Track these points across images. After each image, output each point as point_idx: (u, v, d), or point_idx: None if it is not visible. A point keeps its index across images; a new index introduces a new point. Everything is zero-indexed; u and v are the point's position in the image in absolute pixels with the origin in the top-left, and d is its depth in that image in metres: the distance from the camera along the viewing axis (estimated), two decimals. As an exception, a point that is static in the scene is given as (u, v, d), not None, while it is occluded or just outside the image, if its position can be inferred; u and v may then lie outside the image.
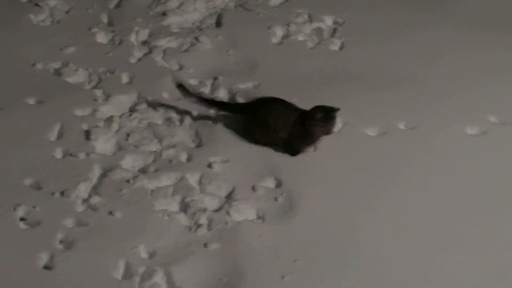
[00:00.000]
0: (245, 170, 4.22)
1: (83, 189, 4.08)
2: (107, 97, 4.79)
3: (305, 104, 4.38)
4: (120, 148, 4.40)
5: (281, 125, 4.29)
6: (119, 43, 5.38)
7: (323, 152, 4.28)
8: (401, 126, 4.54)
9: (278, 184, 4.13)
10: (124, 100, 4.78)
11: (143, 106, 4.72)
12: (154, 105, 4.73)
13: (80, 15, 5.74)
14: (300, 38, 5.49)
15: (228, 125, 4.54)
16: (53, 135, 4.46)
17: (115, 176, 4.17)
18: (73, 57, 5.17)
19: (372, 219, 3.88)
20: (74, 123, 4.54)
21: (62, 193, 4.04)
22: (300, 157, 4.30)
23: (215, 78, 4.99)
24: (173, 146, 4.40)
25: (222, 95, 4.83)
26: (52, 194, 4.03)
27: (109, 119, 4.58)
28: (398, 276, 3.59)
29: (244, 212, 3.96)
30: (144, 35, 5.50)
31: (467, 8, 5.77)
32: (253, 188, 4.10)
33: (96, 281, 3.56)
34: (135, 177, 4.16)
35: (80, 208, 3.97)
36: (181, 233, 3.84)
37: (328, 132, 4.23)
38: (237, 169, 4.23)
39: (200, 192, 4.10)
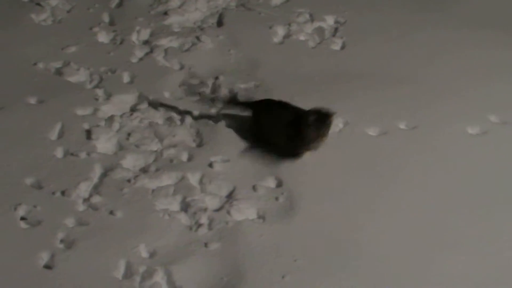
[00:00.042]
0: (245, 169, 4.23)
1: (84, 188, 4.09)
2: (108, 96, 4.79)
3: (305, 103, 4.39)
4: (121, 147, 4.41)
5: (282, 128, 4.28)
6: (121, 43, 5.38)
7: (323, 152, 4.27)
8: (402, 126, 4.55)
9: (279, 184, 4.14)
10: (125, 100, 4.78)
11: (144, 105, 4.72)
12: (155, 104, 4.72)
13: (82, 15, 5.74)
14: (302, 37, 5.49)
15: (229, 125, 4.54)
16: (54, 135, 4.47)
17: (116, 176, 4.17)
18: (74, 57, 5.17)
19: (372, 219, 3.89)
20: (75, 123, 4.55)
21: (63, 193, 4.04)
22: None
23: (216, 78, 4.99)
24: (174, 146, 4.41)
25: (223, 94, 4.83)
26: (53, 193, 4.04)
27: (110, 119, 4.59)
28: (398, 276, 3.60)
29: (244, 212, 3.97)
30: (145, 34, 5.50)
31: (468, 8, 5.77)
32: (254, 188, 4.10)
33: (96, 280, 3.57)
34: (136, 177, 4.16)
35: (81, 207, 3.98)
36: (181, 232, 3.85)
37: (322, 135, 4.21)
38: (238, 168, 4.24)
39: (201, 191, 4.11)
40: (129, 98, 4.80)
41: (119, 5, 5.87)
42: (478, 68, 5.05)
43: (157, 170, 4.22)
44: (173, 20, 5.67)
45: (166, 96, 4.81)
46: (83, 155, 4.30)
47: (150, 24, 5.58)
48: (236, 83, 4.91)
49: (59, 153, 4.32)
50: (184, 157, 4.34)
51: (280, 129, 4.28)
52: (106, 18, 5.70)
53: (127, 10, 5.79)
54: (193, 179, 4.19)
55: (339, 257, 3.67)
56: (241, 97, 4.63)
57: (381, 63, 5.12)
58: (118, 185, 4.11)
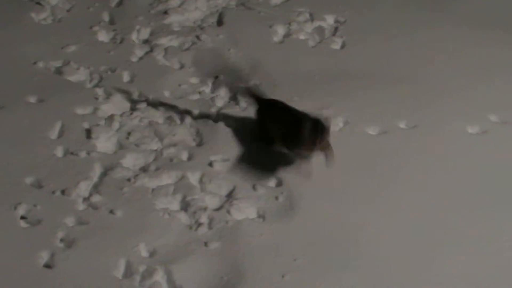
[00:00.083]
0: (246, 169, 4.22)
1: (84, 187, 4.09)
2: (108, 95, 4.79)
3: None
4: (121, 146, 4.41)
5: (283, 131, 4.24)
6: (120, 42, 5.38)
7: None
8: (402, 125, 4.54)
9: (279, 183, 4.14)
10: (125, 99, 4.78)
11: (144, 104, 4.72)
12: (155, 103, 4.73)
13: (82, 14, 5.74)
14: (302, 37, 5.49)
15: (229, 124, 4.54)
16: (54, 134, 4.47)
17: (116, 175, 4.17)
18: (74, 56, 5.17)
19: (372, 219, 3.89)
20: (75, 122, 4.55)
21: (63, 192, 4.04)
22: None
23: (216, 77, 4.99)
24: (174, 145, 4.41)
25: (223, 94, 4.83)
26: (53, 192, 4.04)
27: (110, 118, 4.59)
28: (398, 276, 3.60)
29: (244, 211, 3.97)
30: (145, 33, 5.50)
31: (467, 8, 5.77)
32: (254, 187, 4.10)
33: (96, 279, 3.57)
34: (136, 176, 4.16)
35: (81, 206, 3.98)
36: (181, 232, 3.85)
37: (318, 144, 4.06)
38: (238, 168, 4.23)
39: (200, 191, 4.11)
40: (129, 97, 4.80)
41: (119, 4, 5.87)
42: (478, 67, 5.05)
43: (157, 169, 4.23)
44: (173, 19, 5.67)
45: (166, 95, 4.81)
46: (83, 154, 4.30)
47: (150, 23, 5.58)
48: (236, 83, 4.91)
49: (59, 152, 4.33)
50: (184, 156, 4.34)
51: (280, 132, 4.25)
52: (106, 17, 5.70)
53: (127, 9, 5.79)
54: (193, 178, 4.19)
55: (339, 257, 3.67)
56: (256, 90, 4.56)
57: (381, 63, 5.12)
58: (118, 184, 4.11)
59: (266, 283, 3.56)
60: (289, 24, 5.58)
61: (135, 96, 4.81)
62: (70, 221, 3.88)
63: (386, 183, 4.11)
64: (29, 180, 4.12)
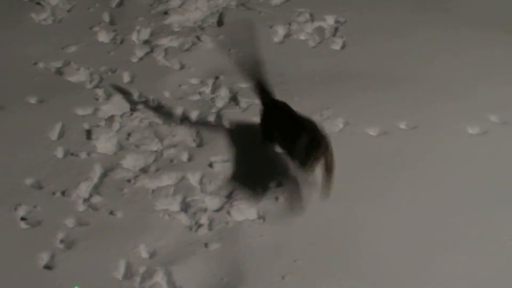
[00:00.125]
0: (246, 169, 4.22)
1: (84, 188, 4.09)
2: (109, 96, 4.79)
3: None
4: (121, 147, 4.41)
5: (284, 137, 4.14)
6: (121, 42, 5.38)
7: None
8: (402, 126, 4.54)
9: (279, 184, 4.13)
10: (125, 100, 4.79)
11: (144, 105, 4.72)
12: (155, 104, 4.73)
13: (82, 14, 5.74)
14: (302, 37, 5.49)
15: (229, 125, 4.55)
16: (54, 134, 4.47)
17: (116, 176, 4.17)
18: (74, 56, 5.17)
19: (373, 219, 3.89)
20: (75, 123, 4.55)
21: (63, 193, 4.05)
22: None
23: (217, 77, 5.00)
24: (174, 146, 4.41)
25: (223, 94, 4.83)
26: (53, 193, 4.05)
27: (110, 119, 4.59)
28: (398, 276, 3.60)
29: (245, 212, 3.97)
30: (145, 34, 5.50)
31: (468, 8, 5.76)
32: (254, 188, 4.10)
33: (96, 280, 3.57)
34: (136, 177, 4.16)
35: (81, 207, 3.98)
36: (181, 233, 3.85)
37: (314, 159, 3.89)
38: (238, 168, 4.23)
39: (201, 191, 4.11)
40: (129, 98, 4.80)
41: (120, 4, 5.87)
42: (478, 68, 5.05)
43: (157, 170, 4.23)
44: (173, 19, 5.67)
45: (166, 95, 4.81)
46: (83, 155, 4.31)
47: (150, 24, 5.58)
48: (236, 82, 4.91)
49: (59, 153, 4.33)
50: (184, 157, 4.34)
51: (279, 138, 4.18)
52: (106, 17, 5.70)
53: (128, 9, 5.79)
54: (193, 179, 4.19)
55: (339, 257, 3.67)
56: (266, 87, 4.51)
57: (381, 63, 5.11)
58: (118, 185, 4.11)
59: (266, 284, 3.56)
60: (290, 24, 5.58)
61: (135, 96, 4.81)
62: (70, 222, 3.89)
63: (386, 183, 4.11)
64: (29, 181, 4.12)
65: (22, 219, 3.90)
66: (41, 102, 4.72)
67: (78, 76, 5.00)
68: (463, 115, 4.60)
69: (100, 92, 4.83)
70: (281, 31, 5.54)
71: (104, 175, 4.19)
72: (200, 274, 3.62)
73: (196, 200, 4.04)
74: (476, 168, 4.24)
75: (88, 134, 4.48)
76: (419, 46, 5.29)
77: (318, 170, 3.89)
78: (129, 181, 4.14)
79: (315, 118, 4.54)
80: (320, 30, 5.56)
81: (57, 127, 4.51)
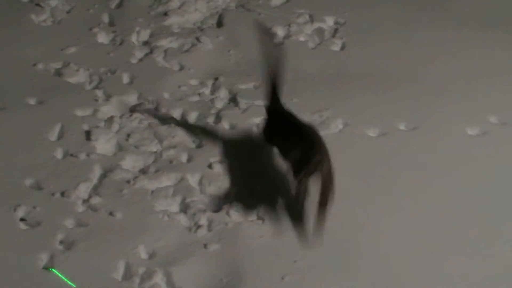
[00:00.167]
0: (245, 170, 4.22)
1: (84, 189, 4.09)
2: (108, 97, 4.79)
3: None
4: (120, 148, 4.40)
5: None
6: (120, 43, 5.37)
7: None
8: (402, 127, 4.54)
9: (278, 185, 4.12)
10: (125, 100, 4.78)
11: (143, 106, 4.72)
12: (155, 105, 4.73)
13: (81, 15, 5.73)
14: (301, 38, 5.48)
15: (228, 126, 4.54)
16: (53, 135, 4.47)
17: (116, 177, 4.17)
18: (74, 57, 5.17)
19: (372, 219, 3.88)
20: (74, 123, 4.55)
21: (62, 194, 4.04)
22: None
23: (216, 79, 4.99)
24: (174, 147, 4.40)
25: (222, 95, 4.83)
26: (53, 194, 4.04)
27: (110, 120, 4.59)
28: (398, 276, 3.59)
29: (244, 213, 3.96)
30: (145, 35, 5.49)
31: (467, 8, 5.75)
32: (254, 189, 4.09)
33: (96, 281, 3.56)
34: (135, 178, 4.16)
35: (80, 208, 3.97)
36: (181, 233, 3.84)
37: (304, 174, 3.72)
38: (238, 169, 4.23)
39: (200, 192, 4.10)
40: (129, 99, 4.79)
41: (119, 5, 5.86)
42: (478, 68, 5.04)
43: (156, 171, 4.22)
44: (173, 20, 5.66)
45: (166, 97, 4.81)
46: (82, 156, 4.30)
47: (150, 25, 5.58)
48: (236, 84, 4.91)
49: (58, 154, 4.32)
50: (184, 158, 4.33)
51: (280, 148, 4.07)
52: (105, 18, 5.70)
53: (127, 10, 5.78)
54: (192, 180, 4.18)
55: (339, 257, 3.67)
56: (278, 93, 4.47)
57: (381, 64, 5.11)
58: (117, 186, 4.10)
59: (266, 285, 3.56)
60: (289, 25, 5.58)
61: (135, 97, 4.80)
62: (69, 223, 3.88)
63: (386, 184, 4.10)
64: (28, 181, 4.12)
65: (22, 219, 3.89)
66: (41, 103, 4.72)
67: (78, 77, 5.00)
68: (463, 116, 4.60)
69: (99, 93, 4.82)
70: (280, 32, 5.53)
71: (104, 176, 4.19)
72: (199, 275, 3.61)
73: (195, 201, 4.04)
74: (476, 168, 4.23)
75: (88, 135, 4.47)
76: (419, 47, 5.29)
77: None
78: (128, 182, 4.14)
79: (315, 118, 4.55)
80: (319, 31, 5.55)
81: (57, 128, 4.51)
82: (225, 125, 4.56)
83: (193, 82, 4.97)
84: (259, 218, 3.93)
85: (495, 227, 3.85)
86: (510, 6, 5.82)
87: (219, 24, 5.67)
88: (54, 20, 5.68)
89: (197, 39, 5.41)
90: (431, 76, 4.98)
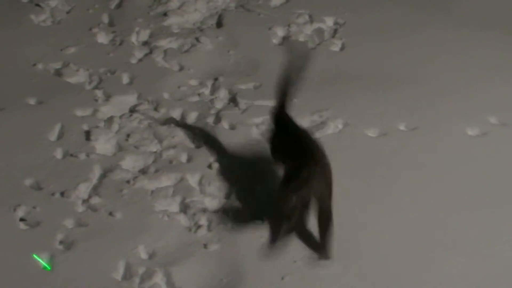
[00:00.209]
0: (245, 170, 4.22)
1: (83, 189, 4.08)
2: (108, 97, 4.79)
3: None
4: (120, 148, 4.40)
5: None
6: (120, 44, 5.38)
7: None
8: (402, 127, 4.54)
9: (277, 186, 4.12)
10: (124, 101, 4.78)
11: (143, 106, 4.72)
12: (155, 105, 4.73)
13: (81, 16, 5.74)
14: (301, 38, 5.48)
15: (228, 126, 4.54)
16: (53, 135, 4.47)
17: (115, 177, 4.17)
18: (73, 58, 5.17)
19: (372, 219, 3.88)
20: (74, 124, 4.55)
21: (62, 194, 4.04)
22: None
23: (216, 79, 4.99)
24: (173, 147, 4.40)
25: (222, 95, 4.83)
26: (52, 194, 4.04)
27: (110, 120, 4.59)
28: (398, 276, 3.59)
29: (244, 213, 3.95)
30: (144, 35, 5.50)
31: (467, 8, 5.76)
32: (253, 189, 4.09)
33: (96, 281, 3.56)
34: (135, 178, 4.16)
35: (80, 208, 3.97)
36: (181, 233, 3.84)
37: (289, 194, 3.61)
38: (237, 169, 4.23)
39: (200, 192, 4.10)
40: (129, 99, 4.79)
41: (119, 6, 5.87)
42: (478, 68, 5.05)
43: (156, 171, 4.22)
44: (173, 21, 5.67)
45: (166, 97, 4.81)
46: (82, 156, 4.30)
47: (149, 25, 5.58)
48: (236, 84, 4.91)
49: (58, 154, 4.32)
50: (184, 158, 4.33)
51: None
52: (105, 19, 5.70)
53: (127, 11, 5.79)
54: (192, 180, 4.18)
55: (339, 258, 3.66)
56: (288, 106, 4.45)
57: (381, 64, 5.11)
58: (117, 186, 4.10)
59: (266, 285, 3.55)
60: (289, 26, 5.58)
61: (135, 98, 4.81)
62: (69, 223, 3.88)
63: (386, 184, 4.10)
64: (28, 181, 4.12)
65: (22, 219, 3.89)
66: (40, 103, 4.72)
67: (77, 77, 5.00)
68: (463, 116, 4.60)
69: (99, 93, 4.83)
70: (280, 32, 5.54)
71: (103, 176, 4.18)
72: (199, 275, 3.61)
73: (195, 201, 4.03)
74: (476, 169, 4.23)
75: (87, 135, 4.47)
76: (419, 47, 5.29)
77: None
78: (128, 182, 4.14)
79: (315, 119, 4.56)
80: (319, 32, 5.56)
81: (56, 128, 4.51)
82: (224, 125, 4.56)
83: (193, 82, 4.98)
84: (259, 218, 3.92)
85: (495, 227, 3.85)
86: (510, 6, 5.82)
87: (219, 24, 5.67)
88: (54, 20, 5.69)
89: (197, 39, 5.41)
90: (431, 76, 4.98)
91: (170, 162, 4.29)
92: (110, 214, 3.93)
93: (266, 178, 4.16)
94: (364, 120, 4.57)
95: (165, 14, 5.72)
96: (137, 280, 3.59)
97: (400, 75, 4.97)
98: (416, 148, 4.37)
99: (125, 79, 5.01)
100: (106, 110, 4.69)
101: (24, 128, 4.49)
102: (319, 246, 3.69)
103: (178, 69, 5.12)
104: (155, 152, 4.37)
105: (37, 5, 5.80)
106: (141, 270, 3.63)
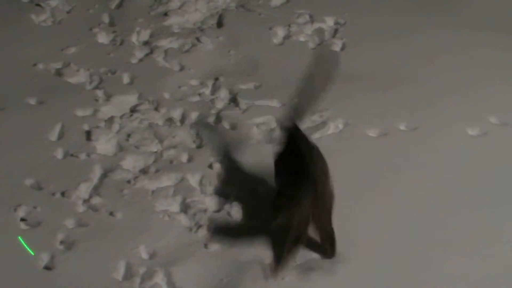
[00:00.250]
0: (246, 170, 4.22)
1: (84, 189, 4.09)
2: (108, 97, 4.80)
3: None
4: (121, 148, 4.40)
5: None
6: (120, 44, 5.38)
7: (324, 153, 4.26)
8: (402, 127, 4.54)
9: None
10: (125, 101, 4.79)
11: (144, 106, 4.72)
12: (155, 105, 4.73)
13: (81, 15, 5.74)
14: (301, 38, 5.48)
15: (229, 126, 4.54)
16: (54, 135, 4.47)
17: (116, 177, 4.17)
18: (74, 57, 5.18)
19: (373, 220, 3.88)
20: (75, 124, 4.55)
21: (62, 194, 4.04)
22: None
23: (216, 79, 5.00)
24: (174, 147, 4.40)
25: (223, 95, 4.83)
26: (53, 194, 4.04)
27: (110, 120, 4.59)
28: (398, 276, 3.59)
29: (245, 213, 3.95)
30: (145, 35, 5.50)
31: (467, 8, 5.76)
32: (254, 189, 4.09)
33: (96, 281, 3.56)
34: (135, 178, 4.16)
35: (81, 208, 3.97)
36: (181, 233, 3.84)
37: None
38: (238, 169, 4.23)
39: (201, 192, 4.10)
40: (129, 99, 4.80)
41: (119, 6, 5.87)
42: (478, 68, 5.05)
43: (157, 171, 4.22)
44: (173, 21, 5.67)
45: (166, 97, 4.81)
46: (83, 156, 4.30)
47: (150, 25, 5.59)
48: (236, 84, 4.92)
49: (59, 154, 4.33)
50: (184, 158, 4.34)
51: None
52: (106, 19, 5.71)
53: (127, 11, 5.79)
54: (193, 180, 4.18)
55: (339, 257, 3.66)
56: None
57: (381, 64, 5.11)
58: (118, 186, 4.10)
59: (266, 285, 3.55)
60: (289, 26, 5.59)
61: (135, 98, 4.81)
62: (70, 223, 3.88)
63: (386, 184, 4.10)
64: (29, 181, 4.12)
65: (22, 220, 3.89)
66: (41, 103, 4.72)
67: (78, 77, 5.00)
68: (463, 116, 4.60)
69: (100, 93, 4.83)
70: (280, 32, 5.54)
71: (104, 176, 4.19)
72: (200, 275, 3.61)
73: (196, 201, 4.03)
74: (476, 169, 4.23)
75: (88, 135, 4.47)
76: (419, 47, 5.29)
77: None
78: (129, 182, 4.14)
79: (315, 119, 4.56)
80: (320, 32, 5.56)
81: (57, 128, 4.51)
82: (225, 125, 4.56)
83: (194, 82, 4.98)
84: (259, 218, 3.92)
85: (495, 227, 3.85)
86: (510, 6, 5.82)
87: (219, 24, 5.67)
88: (54, 20, 5.69)
89: (197, 39, 5.41)
90: (431, 76, 4.98)
91: (171, 162, 4.29)
92: (111, 214, 3.93)
93: (267, 178, 4.16)
94: (365, 120, 4.57)
95: (165, 14, 5.73)
96: (137, 280, 3.59)
97: (400, 75, 4.97)
98: (416, 148, 4.37)
99: (126, 79, 5.01)
100: (106, 110, 4.69)
101: (25, 128, 4.49)
102: (321, 245, 3.70)
103: (179, 69, 5.13)
104: (155, 152, 4.38)
105: (38, 5, 5.80)
106: (141, 270, 3.63)
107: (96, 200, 4.01)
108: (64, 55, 5.20)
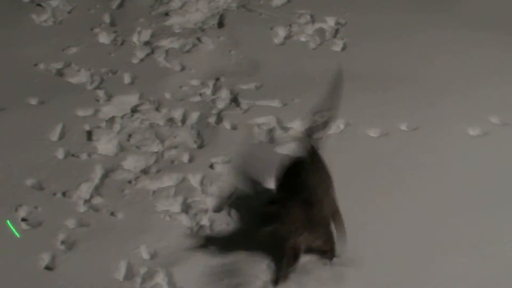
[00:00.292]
0: (246, 170, 4.22)
1: (85, 189, 4.09)
2: (109, 97, 4.80)
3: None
4: (122, 148, 4.41)
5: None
6: (121, 44, 5.38)
7: (324, 153, 4.27)
8: (403, 127, 4.54)
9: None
10: (126, 101, 4.79)
11: (145, 106, 4.73)
12: (156, 105, 4.74)
13: (82, 16, 5.75)
14: (302, 38, 5.49)
15: (230, 126, 4.55)
16: (55, 136, 4.48)
17: (117, 177, 4.17)
18: (75, 58, 5.18)
19: (373, 219, 3.88)
20: (76, 124, 4.55)
21: (63, 194, 4.05)
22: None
23: (217, 79, 5.00)
24: (175, 147, 4.41)
25: (224, 95, 4.83)
26: (54, 194, 4.05)
27: (111, 120, 4.60)
28: (398, 276, 3.59)
29: (245, 213, 3.96)
30: (146, 35, 5.50)
31: (468, 8, 5.76)
32: (255, 189, 4.09)
33: (97, 281, 3.56)
34: (137, 178, 4.16)
35: (82, 208, 3.98)
36: (182, 234, 3.84)
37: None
38: (239, 169, 4.23)
39: (201, 193, 4.11)
40: (130, 99, 4.80)
41: (120, 5, 5.87)
42: (478, 68, 5.05)
43: (158, 171, 4.23)
44: (174, 21, 5.67)
45: (167, 97, 4.82)
46: (84, 156, 4.31)
47: (151, 25, 5.59)
48: (237, 84, 4.92)
49: (60, 154, 4.33)
50: (185, 158, 4.34)
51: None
52: (107, 19, 5.71)
53: (128, 11, 5.79)
54: (194, 180, 4.19)
55: (339, 257, 3.66)
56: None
57: (382, 64, 5.11)
58: (119, 186, 4.11)
59: (266, 285, 3.56)
60: (290, 26, 5.59)
61: (136, 98, 4.81)
62: (71, 223, 3.89)
63: (386, 184, 4.10)
64: (30, 182, 4.12)
65: (23, 220, 3.90)
66: (42, 103, 4.73)
67: (79, 77, 5.01)
68: (463, 116, 4.60)
69: (100, 93, 4.83)
70: (281, 32, 5.54)
71: (105, 176, 4.19)
72: (200, 275, 3.61)
73: (197, 201, 4.04)
74: (477, 169, 4.23)
75: (89, 135, 4.48)
76: (419, 47, 5.30)
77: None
78: (130, 182, 4.14)
79: (315, 119, 4.55)
80: (320, 32, 5.56)
81: (58, 128, 4.52)
82: (226, 125, 4.56)
83: (194, 82, 4.98)
84: (260, 219, 3.92)
85: (495, 227, 3.86)
86: (510, 6, 5.82)
87: (220, 24, 5.67)
88: (55, 20, 5.70)
89: (198, 39, 5.42)
90: (431, 76, 4.98)
91: (172, 162, 4.30)
92: (112, 214, 3.93)
93: (268, 176, 4.16)
94: (365, 120, 4.57)
95: (166, 14, 5.73)
96: (138, 280, 3.60)
97: (400, 75, 4.98)
98: (417, 148, 4.38)
99: (127, 79, 5.01)
100: (107, 110, 4.70)
101: (26, 128, 4.50)
102: (321, 246, 3.69)
103: (180, 69, 5.13)
104: (156, 152, 4.38)
105: (39, 5, 5.81)
106: (142, 270, 3.64)
107: (97, 200, 4.01)
108: (65, 55, 5.21)
